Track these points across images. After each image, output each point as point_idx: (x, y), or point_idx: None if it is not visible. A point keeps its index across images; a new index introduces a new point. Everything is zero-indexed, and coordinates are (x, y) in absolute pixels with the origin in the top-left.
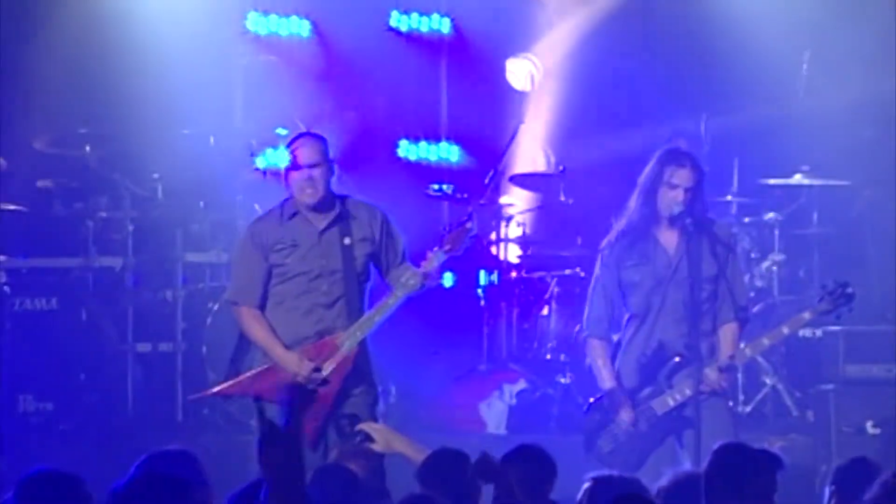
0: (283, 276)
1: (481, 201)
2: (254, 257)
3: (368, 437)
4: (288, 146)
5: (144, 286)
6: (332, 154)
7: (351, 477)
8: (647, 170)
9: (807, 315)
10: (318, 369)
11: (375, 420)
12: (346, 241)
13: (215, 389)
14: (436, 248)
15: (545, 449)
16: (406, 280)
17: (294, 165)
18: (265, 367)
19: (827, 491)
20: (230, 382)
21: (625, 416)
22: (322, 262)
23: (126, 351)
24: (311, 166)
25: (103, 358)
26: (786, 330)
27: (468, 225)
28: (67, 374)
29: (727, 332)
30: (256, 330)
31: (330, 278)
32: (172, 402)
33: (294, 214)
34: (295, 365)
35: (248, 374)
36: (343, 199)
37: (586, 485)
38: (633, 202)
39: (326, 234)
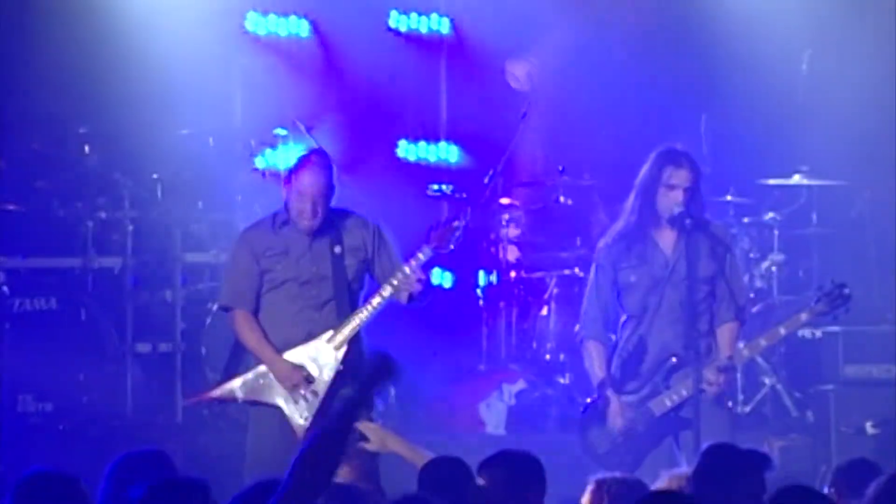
0: (274, 282)
1: (481, 201)
2: (245, 263)
3: (363, 437)
4: (298, 163)
5: (144, 286)
6: (334, 177)
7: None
8: (644, 171)
9: (804, 316)
10: (309, 379)
11: (371, 420)
12: (337, 249)
13: (208, 394)
14: (424, 246)
15: (531, 454)
16: (391, 279)
17: (298, 189)
18: (256, 370)
19: (826, 492)
20: (223, 387)
21: (616, 421)
22: (312, 268)
23: (125, 351)
24: (315, 196)
25: (102, 358)
26: (783, 331)
27: (455, 222)
28: (66, 374)
29: (726, 331)
30: (248, 334)
31: (320, 284)
32: (172, 402)
33: (285, 223)
34: (286, 375)
35: (240, 377)
36: (336, 210)
37: (590, 486)
38: (631, 204)
39: (317, 242)
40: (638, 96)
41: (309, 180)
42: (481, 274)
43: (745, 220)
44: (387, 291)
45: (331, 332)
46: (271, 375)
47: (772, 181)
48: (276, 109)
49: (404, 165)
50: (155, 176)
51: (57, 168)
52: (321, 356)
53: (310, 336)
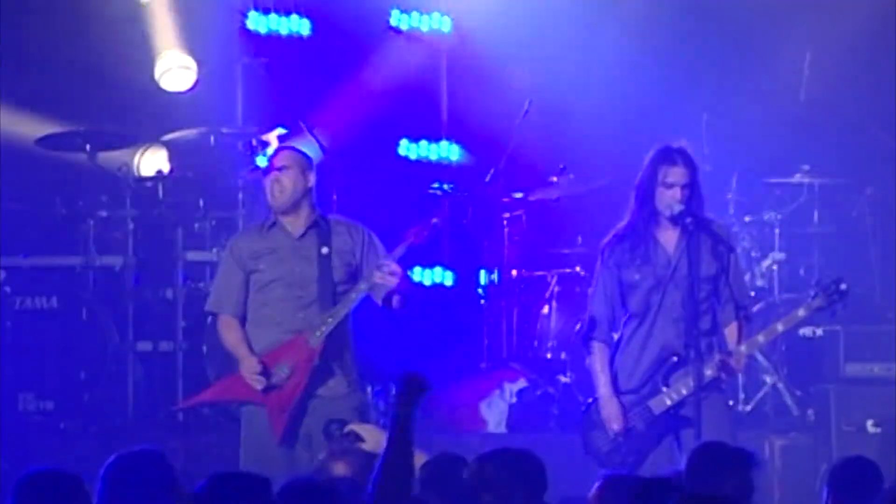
0: (261, 282)
1: (481, 199)
2: (231, 268)
3: (358, 438)
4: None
5: (145, 285)
6: (313, 169)
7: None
8: (642, 172)
9: (801, 312)
10: (267, 372)
11: (368, 421)
12: (324, 250)
13: (198, 398)
14: (401, 243)
15: (531, 452)
16: (369, 275)
17: (266, 170)
18: (238, 371)
19: (825, 491)
20: (211, 389)
21: (612, 426)
22: (297, 268)
23: (126, 350)
24: (280, 169)
25: (104, 357)
26: (780, 327)
27: (433, 220)
28: (68, 372)
29: (732, 331)
30: (229, 335)
31: (305, 285)
32: (173, 401)
33: (273, 225)
34: (252, 374)
35: (225, 379)
36: (326, 215)
37: (597, 483)
38: (632, 204)
39: (304, 241)
40: (638, 95)
41: (276, 157)
42: (482, 273)
43: (746, 218)
44: (363, 286)
45: (310, 330)
46: None
47: (773, 179)
48: (276, 109)
49: (405, 164)
50: (156, 174)
51: (58, 166)
52: (299, 353)
53: (296, 336)
